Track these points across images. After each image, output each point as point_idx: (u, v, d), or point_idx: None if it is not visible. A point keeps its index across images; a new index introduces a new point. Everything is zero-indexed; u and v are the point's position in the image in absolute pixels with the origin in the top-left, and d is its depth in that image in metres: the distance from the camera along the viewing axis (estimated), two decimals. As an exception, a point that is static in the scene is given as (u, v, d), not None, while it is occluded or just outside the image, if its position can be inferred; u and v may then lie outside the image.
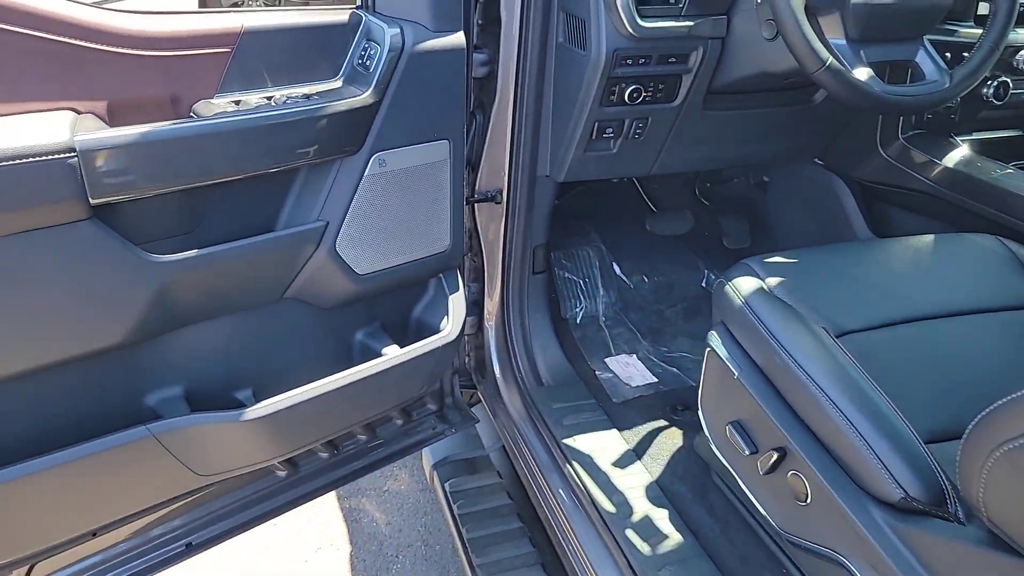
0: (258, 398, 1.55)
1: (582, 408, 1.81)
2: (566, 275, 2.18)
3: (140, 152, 1.15)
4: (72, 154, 1.08)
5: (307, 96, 1.37)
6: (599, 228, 2.29)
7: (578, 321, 2.14)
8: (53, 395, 1.28)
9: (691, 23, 1.55)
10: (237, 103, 1.32)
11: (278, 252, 1.40)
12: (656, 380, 1.92)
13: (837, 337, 1.27)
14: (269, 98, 1.36)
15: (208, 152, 1.22)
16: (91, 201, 1.12)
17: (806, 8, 1.29)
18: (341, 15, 1.46)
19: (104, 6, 1.17)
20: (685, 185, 2.43)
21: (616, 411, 1.82)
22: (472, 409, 2.08)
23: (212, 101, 1.30)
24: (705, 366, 1.43)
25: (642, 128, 1.74)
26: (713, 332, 1.41)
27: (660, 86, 1.65)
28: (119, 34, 1.17)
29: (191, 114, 1.28)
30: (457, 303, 1.72)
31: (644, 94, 1.64)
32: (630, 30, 1.50)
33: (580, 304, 2.16)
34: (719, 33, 1.59)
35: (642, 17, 1.51)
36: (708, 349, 1.41)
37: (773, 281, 1.38)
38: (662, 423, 1.77)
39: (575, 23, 1.60)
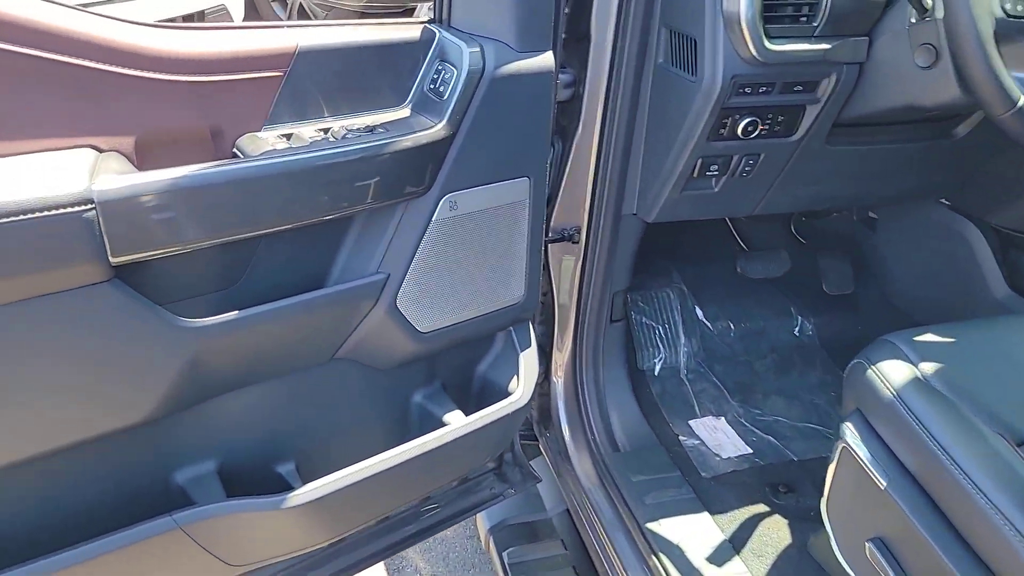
0: (301, 471, 1.35)
1: (666, 483, 1.57)
2: (643, 320, 1.94)
3: (172, 201, 0.94)
4: (89, 206, 0.88)
5: (370, 128, 1.15)
6: (680, 266, 2.05)
7: (656, 373, 1.90)
8: (64, 479, 1.08)
9: (827, 46, 1.30)
10: (288, 137, 1.11)
11: (331, 310, 1.19)
12: (750, 451, 1.67)
13: (1019, 446, 1.01)
14: (325, 130, 1.15)
15: (254, 199, 1.01)
16: (112, 260, 0.92)
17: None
18: (411, 31, 1.24)
19: (121, 19, 0.97)
20: (779, 220, 2.17)
21: (706, 488, 1.57)
22: (532, 461, 1.86)
23: (259, 135, 1.09)
24: (836, 465, 1.18)
25: (752, 165, 1.49)
26: (848, 425, 1.16)
27: (780, 118, 1.40)
28: (149, 55, 0.97)
29: (234, 151, 1.08)
30: (529, 362, 1.49)
31: (760, 127, 1.39)
32: (754, 53, 1.25)
33: (659, 353, 1.92)
34: (858, 57, 1.33)
35: (769, 38, 1.26)
36: (841, 446, 1.16)
37: (928, 368, 1.12)
38: (762, 508, 1.53)
39: (682, 42, 1.36)
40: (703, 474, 1.61)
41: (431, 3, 1.36)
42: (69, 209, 0.86)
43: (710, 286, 2.03)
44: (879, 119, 1.45)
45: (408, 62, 1.22)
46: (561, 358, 1.72)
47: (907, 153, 1.58)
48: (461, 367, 1.52)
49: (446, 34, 1.23)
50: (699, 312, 1.99)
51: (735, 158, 1.47)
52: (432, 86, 1.22)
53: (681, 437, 1.71)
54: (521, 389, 1.46)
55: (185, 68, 1.00)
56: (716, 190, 1.53)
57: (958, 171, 1.67)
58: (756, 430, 1.74)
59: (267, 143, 1.07)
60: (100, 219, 0.89)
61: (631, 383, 1.77)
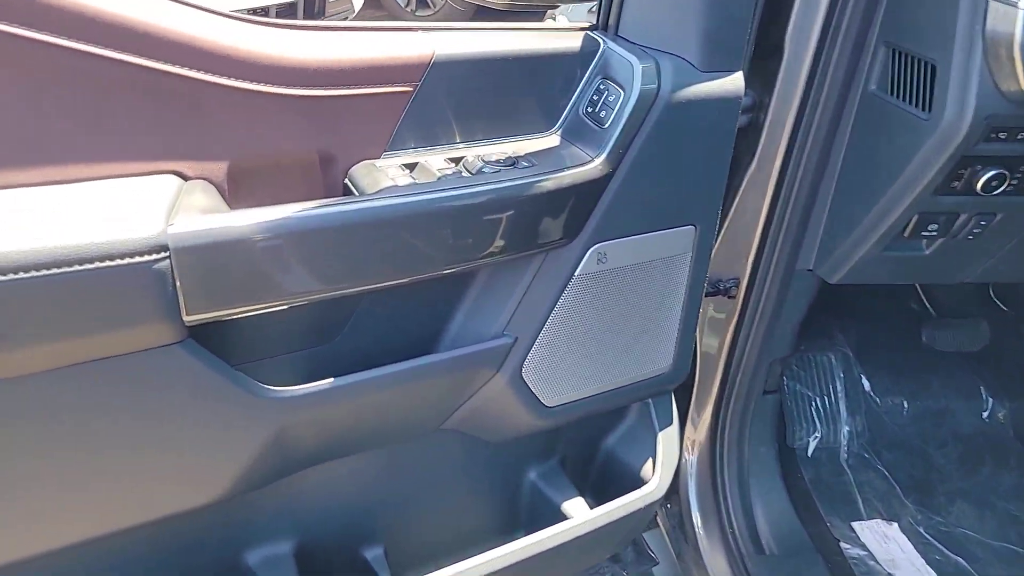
0: (390, 556, 1.14)
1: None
2: (797, 387, 1.63)
3: (264, 250, 0.74)
4: (162, 255, 0.69)
5: (511, 160, 0.92)
6: (845, 325, 1.72)
7: (810, 453, 1.59)
8: (122, 561, 0.91)
9: (1126, 83, 0.96)
10: (411, 168, 0.89)
11: (443, 379, 0.97)
12: (934, 575, 1.34)
13: None
14: (456, 160, 0.92)
15: (365, 248, 0.80)
16: (186, 319, 0.72)
17: None
18: (568, 39, 0.99)
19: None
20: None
21: (875, 620, 1.27)
22: (646, 534, 1.60)
23: (377, 163, 0.88)
24: None
25: (983, 226, 1.17)
26: None
27: (1033, 171, 1.07)
28: (253, 61, 0.77)
29: (346, 182, 0.87)
30: (669, 443, 1.23)
31: (1008, 183, 1.07)
32: (1024, 88, 0.94)
33: (814, 430, 1.61)
34: None
35: (1048, 68, 0.94)
36: None
37: None
38: (952, 660, 1.21)
39: (911, 67, 1.05)
40: (872, 599, 1.30)
41: (590, 4, 1.11)
42: (137, 259, 0.67)
43: (881, 352, 1.70)
44: None
45: (562, 77, 0.98)
46: (699, 430, 1.44)
47: None
48: (585, 440, 1.27)
49: (613, 45, 0.98)
50: (866, 383, 1.66)
51: (963, 217, 1.15)
52: (591, 109, 0.97)
53: (843, 544, 1.40)
54: (657, 478, 1.20)
55: (296, 79, 0.79)
56: (927, 252, 1.21)
57: None
58: (939, 544, 1.40)
59: (386, 175, 0.85)
60: (175, 270, 0.69)
61: (780, 466, 1.47)
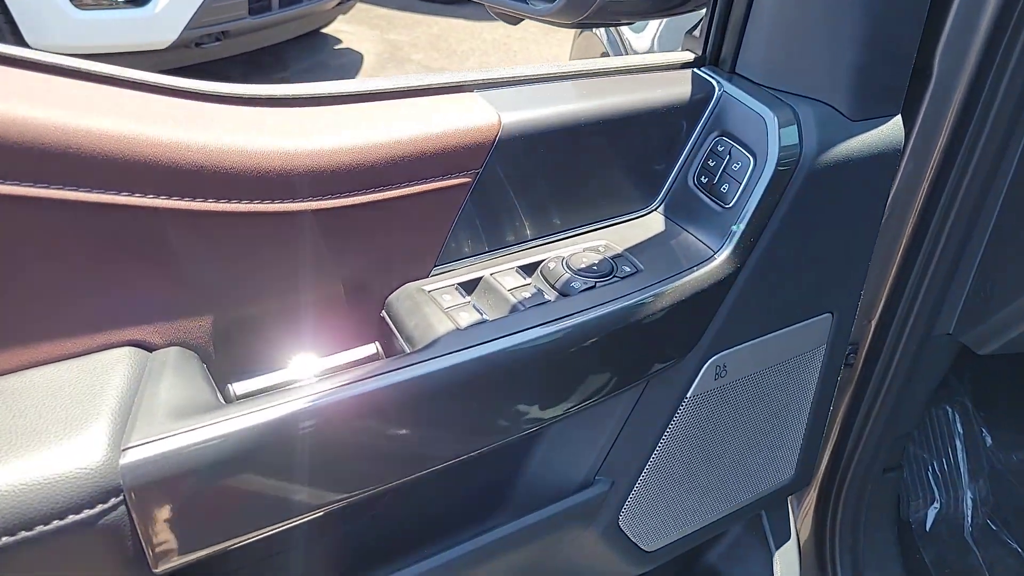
0: None
1: None
2: (911, 449, 1.40)
3: (263, 463, 0.53)
4: (113, 503, 0.48)
5: (608, 265, 0.70)
6: (961, 370, 1.47)
7: (928, 528, 1.36)
8: None
9: None
10: (470, 288, 0.67)
11: (521, 549, 0.76)
12: None
13: None
14: (530, 269, 0.70)
15: (414, 428, 0.59)
16: (157, 572, 0.52)
17: None
18: (670, 82, 0.76)
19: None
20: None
21: None
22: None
23: (425, 287, 0.66)
24: None
25: None
26: None
27: None
28: (238, 170, 0.55)
29: (383, 315, 0.65)
30: (787, 563, 1.01)
31: None
32: None
33: (933, 499, 1.38)
34: None
35: None
36: None
37: None
38: None
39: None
40: None
41: (693, 31, 0.86)
42: (74, 518, 0.46)
43: (1002, 399, 1.46)
44: None
45: (662, 134, 0.75)
46: (801, 516, 1.22)
47: None
48: (680, 560, 1.06)
49: (732, 89, 0.74)
50: (987, 438, 1.43)
51: None
52: (705, 179, 0.74)
53: (979, 647, 1.18)
54: (776, 609, 0.99)
55: (309, 185, 0.57)
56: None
57: None
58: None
59: (439, 307, 0.63)
60: (132, 516, 0.48)
61: (900, 549, 1.25)
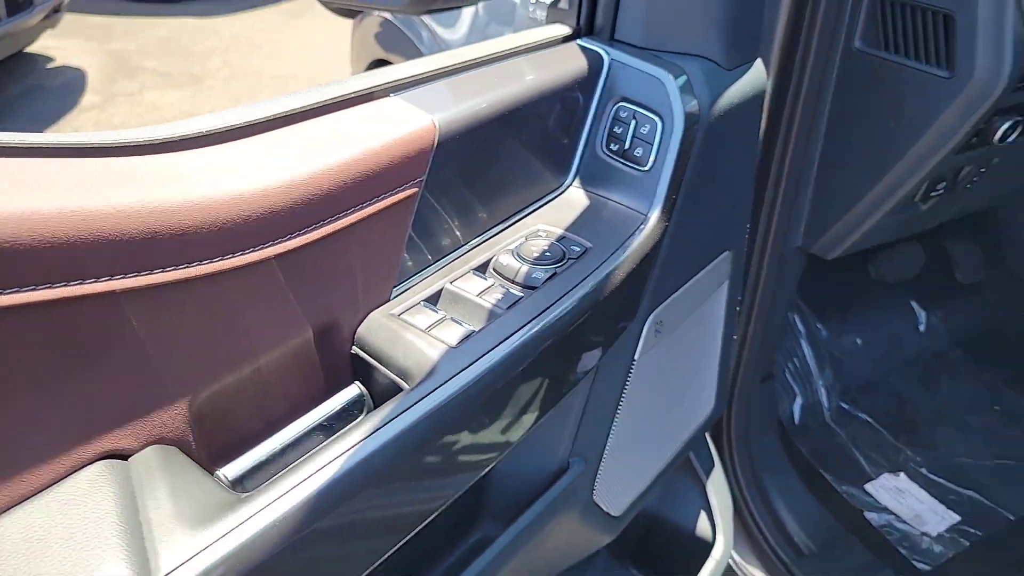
0: None
1: (885, 592, 1.21)
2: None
3: (314, 531, 0.45)
4: None
5: (559, 251, 0.67)
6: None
7: (797, 422, 1.52)
8: None
9: None
10: (435, 300, 0.61)
11: (515, 554, 0.73)
12: (958, 518, 1.33)
13: None
14: (481, 269, 0.65)
15: (437, 456, 0.54)
16: None
17: None
18: (565, 58, 0.74)
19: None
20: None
21: (934, 589, 1.23)
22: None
23: (392, 311, 0.59)
24: None
25: (982, 173, 1.09)
26: None
27: (1038, 111, 1.00)
28: (169, 229, 0.45)
29: (355, 351, 0.57)
30: (719, 492, 1.07)
31: (1020, 129, 0.98)
32: (1069, 31, 0.83)
33: (795, 396, 1.54)
34: None
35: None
36: None
37: None
38: (1018, 608, 1.20)
39: (912, 19, 0.91)
40: (919, 566, 1.26)
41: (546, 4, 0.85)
42: None
43: (824, 293, 1.65)
44: None
45: (563, 109, 0.73)
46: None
47: None
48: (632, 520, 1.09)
49: (620, 55, 0.74)
50: (823, 331, 1.61)
51: (965, 169, 1.06)
52: (615, 147, 0.73)
53: (867, 513, 1.34)
54: (721, 536, 1.04)
55: (265, 230, 0.48)
56: (924, 208, 1.12)
57: None
58: (948, 483, 1.40)
59: (415, 329, 0.57)
60: None
61: (782, 446, 1.38)
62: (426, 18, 1.63)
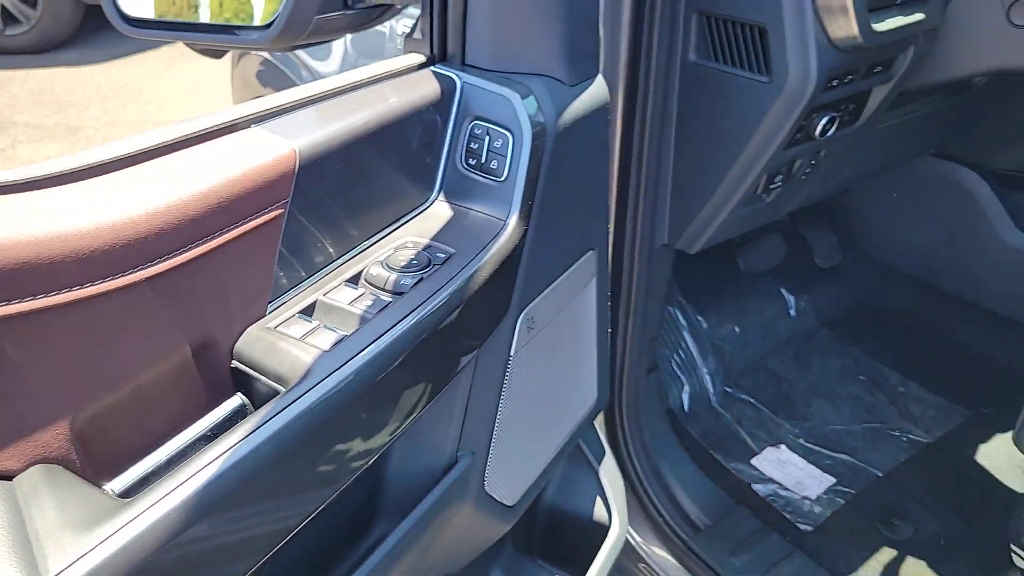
0: None
1: (773, 554, 1.31)
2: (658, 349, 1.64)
3: (204, 524, 0.49)
4: None
5: (424, 259, 0.73)
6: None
7: (687, 409, 1.62)
8: None
9: (921, 15, 1.04)
10: (310, 311, 0.66)
11: (408, 550, 0.77)
12: (833, 480, 1.46)
13: None
14: (353, 280, 0.71)
15: (319, 452, 0.58)
16: None
17: None
18: (420, 84, 0.80)
19: None
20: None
21: (816, 546, 1.34)
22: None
23: (268, 326, 0.63)
24: None
25: (813, 165, 1.22)
26: None
27: (850, 107, 1.13)
28: (52, 258, 0.49)
29: (235, 365, 0.61)
30: (611, 477, 1.15)
31: (836, 123, 1.11)
32: (858, 37, 0.96)
33: (681, 384, 1.64)
34: (936, 22, 1.09)
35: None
36: None
37: None
38: (889, 553, 1.32)
39: (734, 33, 1.03)
40: (802, 527, 1.37)
41: (406, 29, 0.91)
42: None
43: (701, 288, 1.77)
44: (937, 87, 1.23)
45: (423, 130, 0.79)
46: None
47: (938, 112, 1.40)
48: (527, 510, 1.14)
49: (470, 78, 0.81)
50: (702, 322, 1.74)
51: (798, 162, 1.19)
52: (473, 161, 0.80)
53: (754, 485, 1.45)
54: (616, 518, 1.12)
55: (132, 256, 0.52)
56: (769, 200, 1.24)
57: (968, 120, 1.52)
58: (823, 449, 1.53)
59: (291, 339, 0.62)
60: None
61: (674, 433, 1.48)
62: (302, 55, 1.67)
